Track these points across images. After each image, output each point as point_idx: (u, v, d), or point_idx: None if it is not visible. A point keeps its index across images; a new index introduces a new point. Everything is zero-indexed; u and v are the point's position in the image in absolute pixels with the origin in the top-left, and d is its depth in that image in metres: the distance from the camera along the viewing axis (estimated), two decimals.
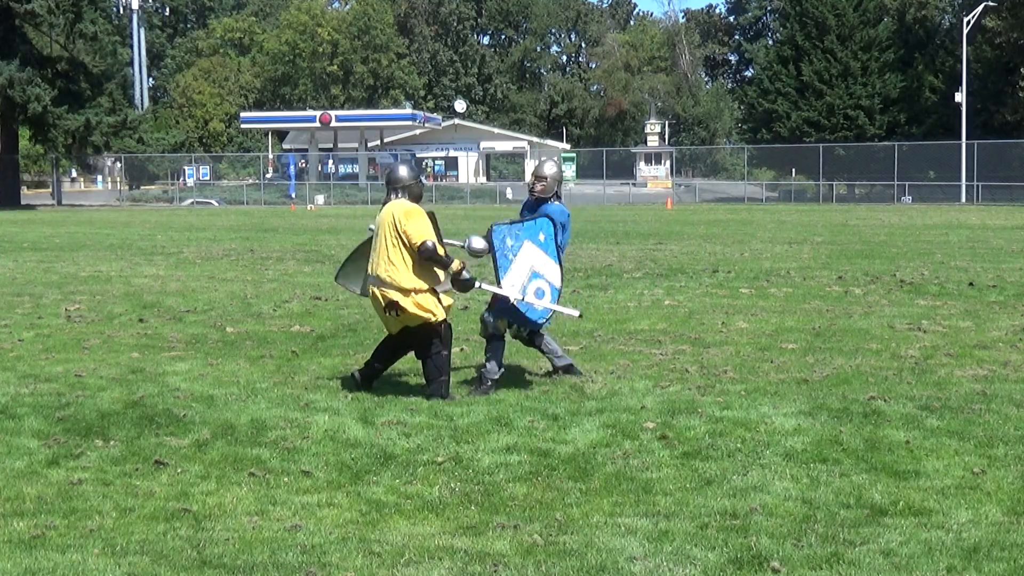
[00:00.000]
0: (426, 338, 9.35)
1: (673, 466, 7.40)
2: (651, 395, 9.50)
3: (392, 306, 9.16)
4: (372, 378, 9.76)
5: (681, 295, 16.67)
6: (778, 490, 6.85)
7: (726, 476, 7.15)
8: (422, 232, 9.07)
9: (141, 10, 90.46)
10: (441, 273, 9.38)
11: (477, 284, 9.47)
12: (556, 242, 9.94)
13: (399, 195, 9.36)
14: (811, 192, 68.42)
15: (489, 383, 9.81)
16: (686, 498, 6.71)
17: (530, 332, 10.22)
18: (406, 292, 9.11)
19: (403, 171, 9.47)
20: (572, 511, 6.51)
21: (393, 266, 9.11)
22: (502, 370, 9.93)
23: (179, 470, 7.42)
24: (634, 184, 75.42)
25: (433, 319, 9.24)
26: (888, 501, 6.60)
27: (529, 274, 9.75)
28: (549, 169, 10.50)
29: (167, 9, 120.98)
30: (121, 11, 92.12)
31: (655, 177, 79.34)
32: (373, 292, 9.32)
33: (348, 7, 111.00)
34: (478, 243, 9.76)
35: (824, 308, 15.02)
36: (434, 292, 9.31)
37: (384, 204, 9.42)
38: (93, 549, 5.93)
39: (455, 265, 9.27)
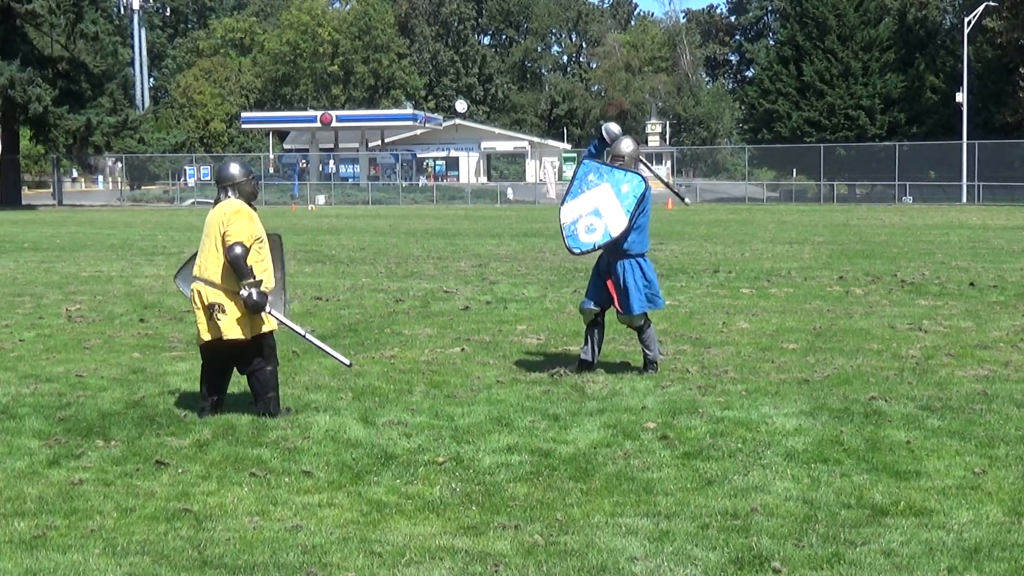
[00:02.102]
0: (249, 351, 8.70)
1: (674, 466, 7.39)
2: (652, 395, 9.50)
3: (214, 308, 8.47)
4: (220, 405, 8.96)
5: (682, 295, 16.67)
6: (779, 490, 6.85)
7: (727, 476, 7.15)
8: (240, 234, 8.42)
9: (142, 10, 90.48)
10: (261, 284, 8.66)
11: (267, 309, 8.63)
12: (638, 206, 9.99)
13: (230, 194, 8.71)
14: (812, 192, 68.43)
15: (653, 359, 10.39)
16: (687, 498, 6.71)
17: (639, 324, 10.35)
18: (231, 294, 8.52)
19: (234, 169, 8.82)
20: (573, 511, 6.51)
21: (220, 266, 8.51)
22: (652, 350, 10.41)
23: (180, 470, 7.42)
24: None
25: (247, 335, 8.59)
26: (889, 501, 6.60)
27: (591, 209, 10.02)
28: (627, 147, 10.44)
29: (168, 9, 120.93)
30: (122, 11, 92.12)
31: (656, 177, 79.31)
32: (196, 292, 8.61)
33: (349, 7, 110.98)
34: (614, 128, 10.43)
35: (825, 308, 15.02)
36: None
37: (215, 203, 8.77)
38: (94, 549, 5.93)
39: (250, 283, 8.44)
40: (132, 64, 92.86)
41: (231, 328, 8.51)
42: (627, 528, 6.19)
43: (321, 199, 68.43)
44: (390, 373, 10.66)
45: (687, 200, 11.68)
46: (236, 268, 8.42)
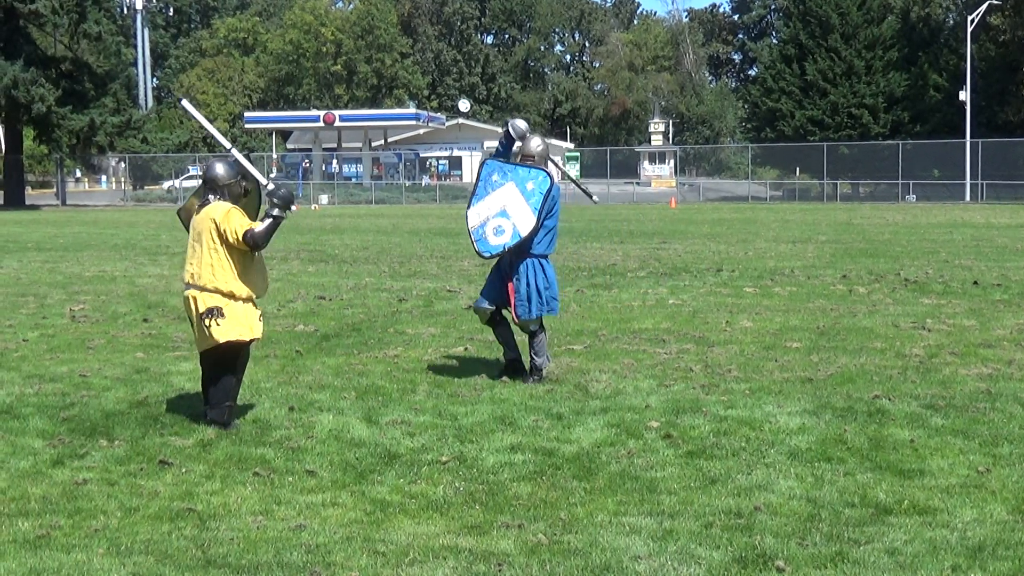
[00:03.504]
0: (226, 355, 8.51)
1: (677, 465, 7.39)
2: (655, 394, 9.50)
3: (211, 312, 8.36)
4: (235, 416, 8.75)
5: (685, 294, 16.66)
6: (782, 489, 6.85)
7: (730, 475, 7.15)
8: (243, 224, 8.29)
9: (145, 10, 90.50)
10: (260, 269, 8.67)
11: (293, 209, 8.56)
12: (544, 203, 9.74)
13: (217, 196, 8.50)
14: (815, 191, 68.41)
15: (541, 366, 10.10)
16: (690, 497, 6.71)
17: (533, 329, 10.08)
18: (228, 297, 8.39)
19: (220, 170, 8.56)
20: (576, 510, 6.51)
21: (214, 271, 8.35)
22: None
23: (184, 470, 7.42)
24: (638, 183, 75.47)
25: (245, 336, 8.48)
26: (893, 500, 6.60)
27: (498, 211, 9.80)
28: (536, 146, 10.12)
29: (171, 9, 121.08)
30: (125, 11, 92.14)
31: (659, 176, 79.41)
32: (191, 298, 8.51)
33: (352, 7, 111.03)
34: (521, 124, 10.15)
35: (828, 307, 15.01)
36: (254, 304, 8.59)
37: (200, 205, 8.55)
38: (98, 549, 5.93)
39: (270, 186, 8.48)
40: (135, 64, 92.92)
41: (228, 331, 8.41)
42: (631, 527, 6.19)
43: (324, 199, 68.47)
44: (393, 372, 10.66)
45: (595, 199, 11.45)
46: (266, 235, 8.31)
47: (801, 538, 5.98)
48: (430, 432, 8.33)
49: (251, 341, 8.64)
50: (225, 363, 8.53)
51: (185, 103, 8.78)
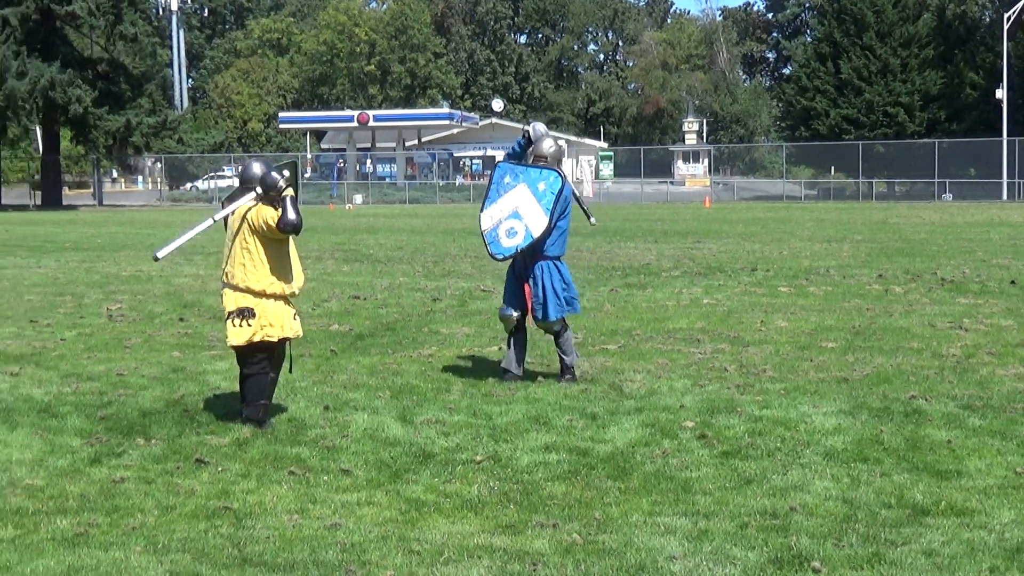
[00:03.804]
0: (259, 354, 8.55)
1: (712, 465, 7.37)
2: (690, 394, 9.48)
3: (239, 313, 8.43)
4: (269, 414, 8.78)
5: (720, 294, 16.62)
6: (818, 489, 6.82)
7: (766, 475, 7.12)
8: (274, 216, 8.27)
9: (180, 11, 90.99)
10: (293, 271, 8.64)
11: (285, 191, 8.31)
12: (556, 204, 9.73)
13: (249, 192, 8.48)
14: (850, 190, 68.03)
15: (571, 364, 10.09)
16: (725, 497, 6.69)
17: (556, 329, 10.03)
18: (260, 296, 8.43)
19: (257, 169, 8.57)
20: (611, 510, 6.50)
21: (246, 269, 8.43)
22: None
23: (220, 468, 7.46)
24: (672, 182, 75.27)
25: (274, 335, 8.50)
26: (930, 501, 6.56)
27: (510, 212, 9.78)
28: (548, 147, 10.09)
29: (206, 10, 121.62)
30: (160, 12, 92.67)
31: (693, 175, 79.17)
32: (223, 296, 8.59)
33: (385, 7, 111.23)
34: (541, 127, 10.15)
35: (864, 306, 14.94)
36: (288, 303, 8.62)
37: (229, 200, 8.64)
38: (135, 547, 5.97)
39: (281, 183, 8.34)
40: (171, 65, 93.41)
41: (244, 335, 8.45)
42: (665, 527, 6.18)
43: (358, 198, 68.63)
44: (428, 372, 10.69)
45: (593, 220, 11.25)
46: (293, 211, 8.22)
47: (837, 539, 5.95)
48: (464, 431, 8.34)
49: (283, 340, 8.67)
50: (260, 362, 8.57)
51: (159, 254, 8.78)
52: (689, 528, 6.16)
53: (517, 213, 9.76)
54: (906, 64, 68.95)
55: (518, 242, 9.77)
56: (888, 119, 68.68)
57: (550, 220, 9.73)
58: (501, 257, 9.95)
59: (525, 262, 9.96)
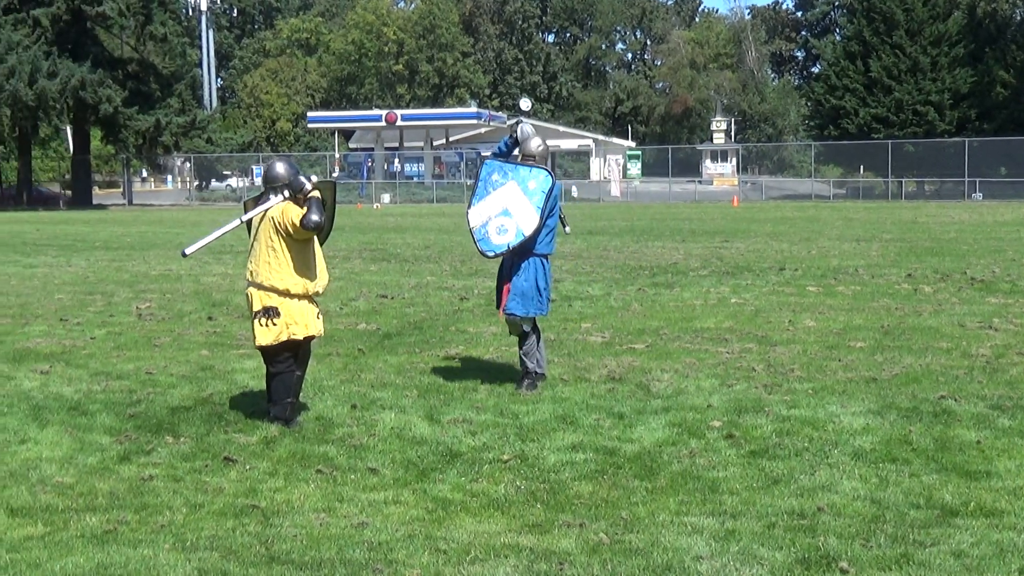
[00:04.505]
0: (285, 352, 8.60)
1: (740, 465, 7.36)
2: (717, 394, 9.46)
3: (265, 312, 8.47)
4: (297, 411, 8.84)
5: (747, 293, 16.57)
6: (846, 490, 6.80)
7: (793, 475, 7.10)
8: (298, 214, 8.29)
9: (210, 11, 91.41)
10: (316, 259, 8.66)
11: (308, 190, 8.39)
12: (547, 202, 9.63)
13: (278, 194, 8.51)
14: (879, 189, 67.67)
15: (533, 370, 9.85)
16: (753, 497, 6.67)
17: (526, 329, 9.85)
18: (284, 295, 8.47)
19: (280, 168, 8.57)
20: (638, 510, 6.50)
21: (271, 268, 8.46)
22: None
23: (248, 467, 7.49)
24: (700, 182, 75.06)
25: (299, 334, 8.53)
26: (959, 502, 6.52)
27: (500, 210, 9.70)
28: (536, 146, 9.98)
29: (235, 10, 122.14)
30: (190, 12, 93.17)
31: (721, 174, 78.94)
32: (248, 295, 8.65)
33: (413, 6, 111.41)
34: (528, 127, 10.04)
35: (893, 306, 14.87)
36: (312, 302, 8.66)
37: (260, 203, 8.61)
38: (164, 544, 6.01)
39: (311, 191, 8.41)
40: (200, 65, 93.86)
41: (269, 335, 8.49)
42: (692, 527, 6.17)
43: (386, 198, 68.76)
44: (455, 371, 10.70)
45: (567, 229, 11.12)
46: (317, 211, 8.25)
47: (865, 539, 5.93)
48: (491, 431, 8.35)
49: (308, 338, 8.69)
50: (286, 360, 8.60)
51: (187, 251, 8.84)
52: (716, 528, 6.15)
53: (507, 211, 9.66)
54: (936, 62, 68.53)
55: (509, 240, 9.65)
56: (918, 118, 68.27)
57: (541, 218, 9.64)
58: (492, 254, 9.80)
59: (512, 259, 9.86)
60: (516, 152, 10.14)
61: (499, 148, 10.20)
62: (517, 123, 10.43)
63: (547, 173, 9.79)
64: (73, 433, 8.42)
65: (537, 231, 9.65)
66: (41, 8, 63.59)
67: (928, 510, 6.41)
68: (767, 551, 5.79)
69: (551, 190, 9.69)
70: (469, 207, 9.94)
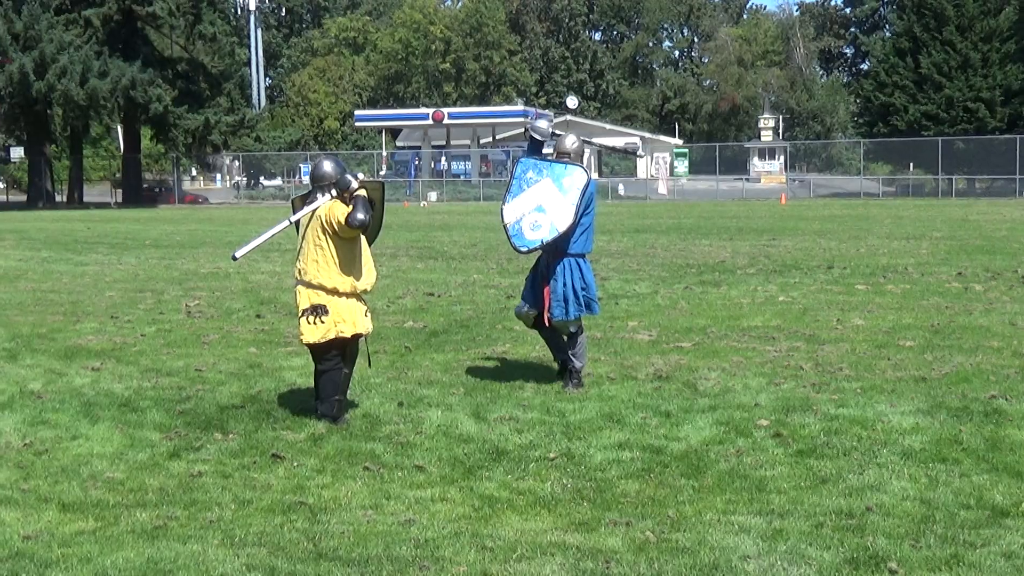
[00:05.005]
0: (333, 350, 8.64)
1: (787, 464, 7.32)
2: (765, 392, 9.41)
3: (313, 310, 8.52)
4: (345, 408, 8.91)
5: (795, 291, 16.47)
6: (895, 490, 6.74)
7: (841, 475, 7.05)
8: (344, 212, 8.31)
9: (258, 11, 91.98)
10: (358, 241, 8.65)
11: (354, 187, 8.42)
12: (581, 199, 9.60)
13: (326, 193, 8.52)
14: (929, 187, 67.07)
15: (579, 370, 9.83)
16: (800, 497, 6.64)
17: (572, 330, 9.80)
18: (332, 293, 8.50)
19: (328, 167, 8.58)
20: (685, 508, 6.48)
21: (319, 266, 8.49)
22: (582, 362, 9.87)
23: (295, 464, 7.54)
24: (747, 179, 74.71)
25: (347, 332, 8.57)
26: (1010, 502, 6.46)
27: (535, 206, 9.68)
28: (571, 143, 9.98)
29: (283, 10, 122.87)
30: (239, 12, 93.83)
31: (769, 172, 78.55)
32: (296, 293, 8.72)
33: (460, 5, 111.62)
34: (541, 125, 10.12)
35: (943, 305, 14.73)
36: (360, 300, 8.69)
37: (308, 202, 8.66)
38: (213, 540, 6.05)
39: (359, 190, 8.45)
40: (248, 64, 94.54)
41: (318, 333, 8.53)
42: (739, 526, 6.14)
43: (433, 196, 68.94)
44: (501, 369, 10.71)
45: (639, 152, 11.18)
46: (363, 209, 8.25)
47: (915, 540, 5.88)
48: (538, 429, 8.35)
49: (356, 336, 8.73)
50: (334, 358, 8.64)
51: (237, 254, 8.88)
52: (763, 527, 6.12)
53: (541, 207, 9.64)
54: (987, 59, 67.82)
55: (543, 235, 9.61)
56: (968, 115, 67.57)
57: (575, 216, 9.59)
58: (525, 249, 9.76)
59: (547, 260, 9.83)
60: (550, 150, 10.14)
61: (526, 150, 10.23)
62: (530, 122, 10.40)
63: (582, 170, 9.77)
64: (124, 429, 8.50)
65: (572, 228, 9.61)
66: (92, 8, 64.29)
67: (978, 511, 6.35)
68: (815, 551, 5.76)
69: (586, 187, 9.66)
70: (503, 204, 9.96)
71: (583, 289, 9.72)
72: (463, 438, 8.12)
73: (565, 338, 9.88)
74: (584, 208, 9.68)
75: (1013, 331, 12.44)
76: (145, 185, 76.37)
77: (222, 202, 73.96)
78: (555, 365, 10.27)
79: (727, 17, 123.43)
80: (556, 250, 9.71)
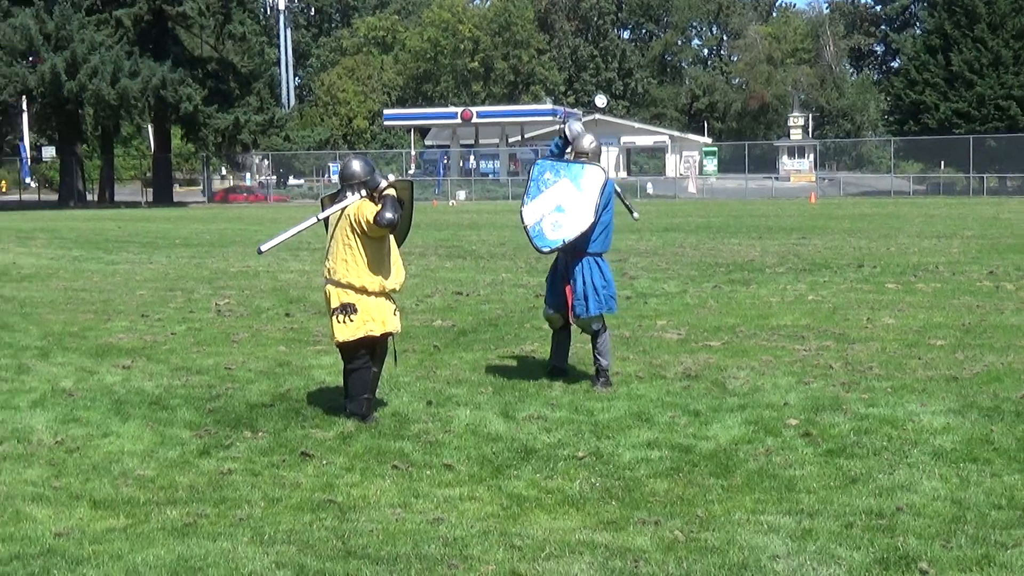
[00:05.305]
0: (362, 349, 8.65)
1: (817, 464, 7.29)
2: (794, 391, 9.38)
3: (343, 309, 8.54)
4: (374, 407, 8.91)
5: (825, 290, 16.41)
6: (926, 489, 6.71)
7: (871, 475, 7.02)
8: (373, 211, 8.32)
9: (287, 10, 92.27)
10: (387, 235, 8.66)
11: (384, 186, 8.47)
12: (600, 198, 9.62)
13: (355, 192, 8.53)
14: (960, 185, 66.65)
15: (607, 368, 9.84)
16: (830, 496, 6.61)
17: (596, 328, 9.84)
18: (361, 292, 8.52)
19: (357, 166, 8.60)
20: (714, 508, 6.46)
21: (347, 265, 8.51)
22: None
23: (324, 462, 7.56)
24: (777, 178, 74.46)
25: (376, 331, 8.59)
26: None
27: (554, 207, 9.71)
28: (588, 143, 10.00)
29: (312, 9, 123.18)
30: (268, 12, 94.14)
31: (798, 171, 78.22)
32: (326, 292, 8.75)
33: (489, 4, 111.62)
34: (577, 126, 10.08)
35: (974, 304, 14.64)
36: (389, 299, 8.70)
37: (336, 201, 8.66)
38: (242, 537, 6.07)
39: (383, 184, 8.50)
40: (278, 63, 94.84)
41: (350, 331, 8.55)
42: (769, 526, 6.12)
43: (462, 194, 69.00)
44: (530, 368, 10.71)
45: (636, 215, 11.31)
46: (391, 208, 8.26)
47: (945, 540, 5.85)
48: (566, 427, 8.35)
49: (385, 335, 8.74)
50: (362, 357, 8.66)
51: (263, 248, 8.91)
52: (793, 527, 6.10)
53: (561, 207, 9.69)
54: (1019, 56, 67.30)
55: (564, 235, 9.66)
56: (1000, 113, 67.08)
57: (595, 215, 9.63)
58: (547, 250, 9.83)
59: (567, 260, 9.88)
60: (569, 151, 10.18)
61: (552, 149, 10.28)
62: (565, 122, 10.45)
63: (600, 169, 9.81)
64: (154, 427, 8.55)
65: (592, 227, 9.65)
66: (123, 9, 64.64)
67: (1010, 511, 6.31)
68: (845, 551, 5.74)
69: (604, 186, 9.70)
70: (523, 206, 10.00)
71: (604, 287, 9.79)
72: (492, 437, 8.13)
73: (590, 338, 9.92)
74: (603, 206, 9.71)
75: None
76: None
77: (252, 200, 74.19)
78: (590, 367, 10.25)
79: (756, 15, 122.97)
80: (575, 250, 9.76)
